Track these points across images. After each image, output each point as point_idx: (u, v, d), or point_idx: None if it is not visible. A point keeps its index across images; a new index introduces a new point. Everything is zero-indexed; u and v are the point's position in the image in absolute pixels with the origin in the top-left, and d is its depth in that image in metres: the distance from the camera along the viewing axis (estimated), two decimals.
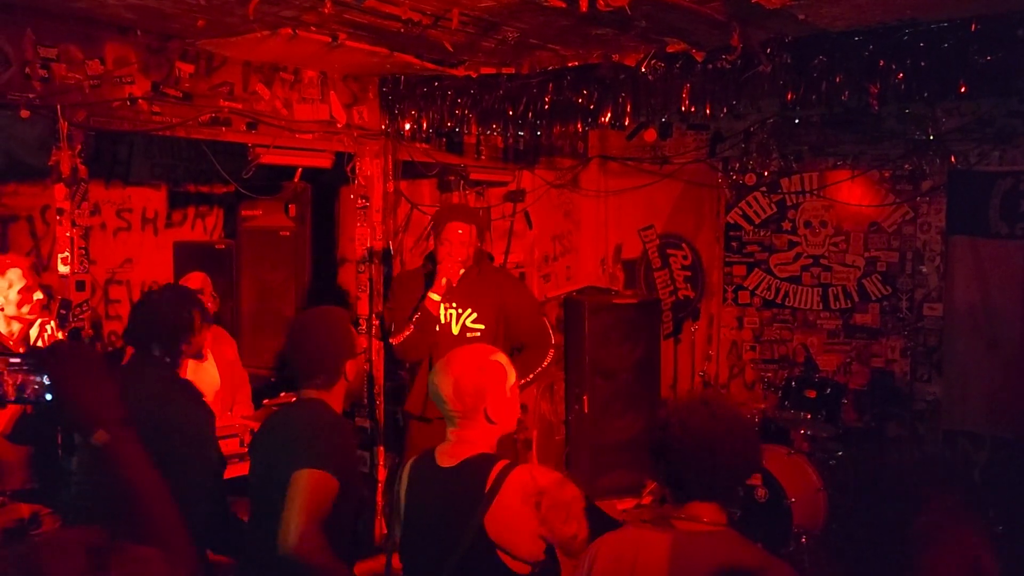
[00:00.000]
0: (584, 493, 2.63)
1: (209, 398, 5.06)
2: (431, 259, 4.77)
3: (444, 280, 4.56)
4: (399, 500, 2.77)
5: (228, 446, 4.47)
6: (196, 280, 5.10)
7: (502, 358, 2.80)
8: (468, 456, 2.67)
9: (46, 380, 1.72)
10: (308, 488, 2.75)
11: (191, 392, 3.33)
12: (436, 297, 4.57)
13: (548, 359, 4.86)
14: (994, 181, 6.51)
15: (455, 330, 4.68)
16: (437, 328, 4.65)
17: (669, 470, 2.34)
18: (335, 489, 2.80)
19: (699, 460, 2.29)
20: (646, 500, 6.87)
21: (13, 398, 1.77)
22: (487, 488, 2.56)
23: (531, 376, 4.77)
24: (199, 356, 3.91)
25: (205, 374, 5.10)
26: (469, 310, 4.70)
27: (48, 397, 1.72)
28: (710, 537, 2.28)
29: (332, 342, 3.05)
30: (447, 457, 2.71)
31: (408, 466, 2.80)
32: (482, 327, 4.66)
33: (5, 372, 1.76)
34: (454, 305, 4.68)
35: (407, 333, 4.59)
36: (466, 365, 2.70)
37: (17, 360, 1.76)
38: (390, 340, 4.59)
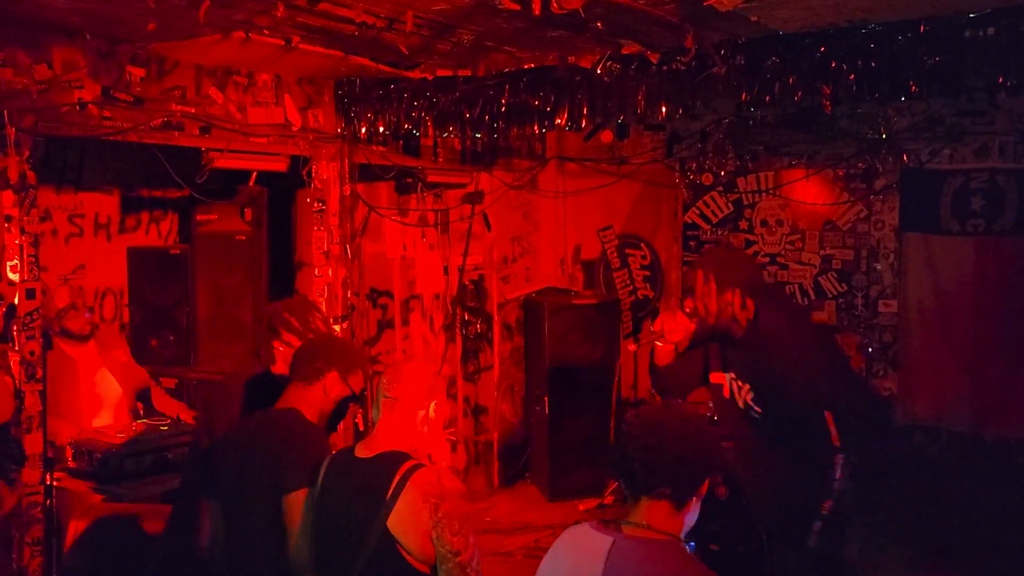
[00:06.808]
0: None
1: (112, 405, 5.05)
2: None
3: None
4: (317, 489, 2.81)
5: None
6: (63, 296, 5.08)
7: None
8: (384, 451, 2.72)
9: None
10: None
11: None
12: None
13: None
14: (945, 179, 6.62)
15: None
16: None
17: (621, 459, 2.34)
18: None
19: (646, 441, 2.28)
20: (608, 500, 6.89)
21: None
22: (391, 490, 2.60)
23: None
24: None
25: (105, 383, 5.07)
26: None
27: None
28: (650, 546, 2.23)
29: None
30: (365, 449, 2.76)
31: (329, 457, 2.86)
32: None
33: None
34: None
35: None
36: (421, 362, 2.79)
37: None
38: None
